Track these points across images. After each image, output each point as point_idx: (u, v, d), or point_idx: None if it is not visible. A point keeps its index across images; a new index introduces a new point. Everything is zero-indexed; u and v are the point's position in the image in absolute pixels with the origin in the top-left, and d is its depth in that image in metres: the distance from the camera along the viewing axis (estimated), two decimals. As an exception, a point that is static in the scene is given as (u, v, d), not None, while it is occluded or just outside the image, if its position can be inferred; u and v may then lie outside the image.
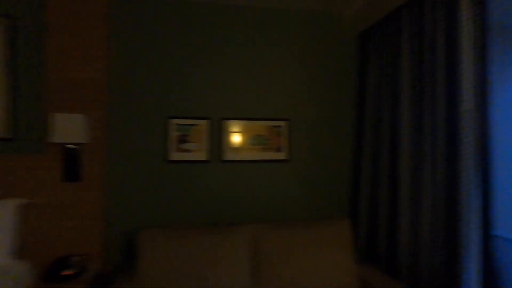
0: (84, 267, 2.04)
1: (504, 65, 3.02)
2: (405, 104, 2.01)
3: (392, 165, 2.11)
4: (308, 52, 2.63)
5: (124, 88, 2.35)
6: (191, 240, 2.00)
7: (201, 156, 2.39)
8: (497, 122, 2.85)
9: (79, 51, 2.25)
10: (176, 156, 2.36)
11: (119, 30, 2.36)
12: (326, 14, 2.67)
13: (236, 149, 2.46)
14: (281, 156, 2.52)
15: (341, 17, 2.69)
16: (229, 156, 2.44)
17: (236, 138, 2.46)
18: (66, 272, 1.96)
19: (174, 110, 2.40)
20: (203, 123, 2.40)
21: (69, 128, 2.09)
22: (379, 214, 2.19)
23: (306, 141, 2.60)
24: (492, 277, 1.74)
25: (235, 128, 2.46)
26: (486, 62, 1.79)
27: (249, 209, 2.49)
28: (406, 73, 2.01)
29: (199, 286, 1.90)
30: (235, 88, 2.50)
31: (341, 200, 2.64)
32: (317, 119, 2.62)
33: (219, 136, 2.45)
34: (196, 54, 2.45)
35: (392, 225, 2.06)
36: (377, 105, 2.32)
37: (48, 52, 2.20)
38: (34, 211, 2.16)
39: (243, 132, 2.47)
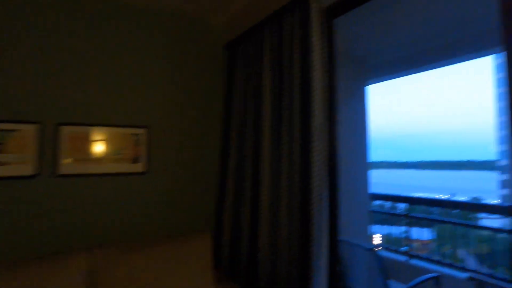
0: None
1: (348, 86, 3.50)
2: (267, 117, 2.01)
3: (255, 177, 2.08)
4: (175, 57, 2.42)
5: None
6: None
7: (25, 170, 1.84)
8: (341, 136, 3.24)
9: None
10: (-17, 170, 1.75)
11: None
12: (196, 20, 2.53)
13: (80, 160, 2.02)
14: (138, 168, 2.21)
15: (210, 25, 2.59)
16: (68, 169, 1.98)
17: (80, 147, 2.03)
18: None
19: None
20: (29, 128, 1.87)
21: None
22: (242, 228, 2.12)
23: (170, 151, 2.36)
24: (339, 277, 1.86)
25: (78, 135, 2.03)
26: (333, 82, 1.96)
27: (97, 232, 2.07)
28: (268, 86, 2.03)
29: None
30: (79, 88, 2.07)
31: (207, 214, 2.49)
32: (182, 128, 2.42)
33: (54, 145, 1.96)
34: (22, 36, 1.92)
35: (253, 238, 2.02)
36: (242, 118, 2.28)
37: None
38: None
39: (89, 140, 2.06)
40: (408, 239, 4.08)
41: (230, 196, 2.26)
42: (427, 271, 3.36)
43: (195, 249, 1.94)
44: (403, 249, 4.00)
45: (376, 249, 2.35)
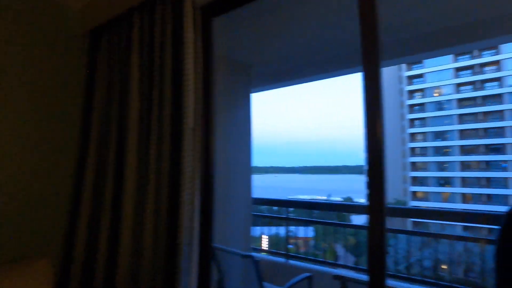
0: None
1: (232, 92, 3.49)
2: (134, 118, 1.78)
3: (117, 185, 1.81)
4: (21, 41, 1.96)
5: None
6: None
7: None
8: (224, 142, 3.19)
9: None
10: None
11: None
12: (51, 3, 2.11)
13: None
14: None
15: (69, 9, 2.20)
16: None
17: None
18: None
19: None
20: None
21: None
22: (98, 246, 1.80)
23: None
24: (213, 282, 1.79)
25: None
26: (210, 84, 1.86)
27: None
28: (136, 83, 1.80)
29: None
30: None
31: (54, 233, 2.04)
32: (21, 129, 1.96)
33: None
34: None
35: (112, 257, 1.73)
36: (104, 117, 1.97)
37: None
38: None
39: None
40: (292, 238, 4.31)
41: (85, 209, 1.91)
42: (304, 270, 3.57)
43: (26, 279, 1.55)
44: (289, 246, 4.22)
45: (253, 254, 2.34)
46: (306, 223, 4.53)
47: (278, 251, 4.15)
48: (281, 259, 3.93)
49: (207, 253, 1.77)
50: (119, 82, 1.88)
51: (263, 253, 4.49)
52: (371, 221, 1.27)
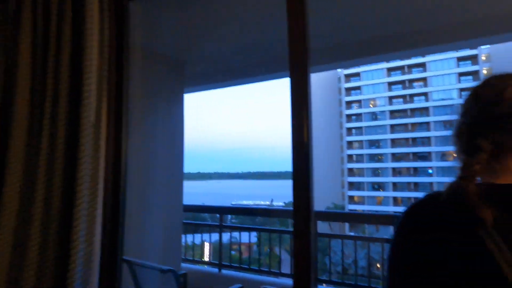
0: None
1: (163, 91, 3.23)
2: (21, 111, 1.48)
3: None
4: None
5: None
6: None
7: None
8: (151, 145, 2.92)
9: None
10: None
11: None
12: None
13: None
14: None
15: None
16: None
17: None
18: None
19: None
20: None
21: None
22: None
23: None
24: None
25: None
26: (122, 76, 1.63)
27: None
28: (26, 69, 1.50)
29: None
30: None
31: None
32: None
33: None
34: None
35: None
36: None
37: None
38: None
39: None
40: (235, 244, 4.19)
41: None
42: (237, 280, 3.41)
43: None
44: (232, 253, 4.06)
45: (173, 268, 2.11)
46: (240, 229, 4.40)
47: (212, 262, 3.95)
48: (215, 269, 3.72)
49: (114, 267, 1.56)
50: (4, 69, 1.56)
51: (202, 264, 4.26)
52: (297, 226, 1.24)
